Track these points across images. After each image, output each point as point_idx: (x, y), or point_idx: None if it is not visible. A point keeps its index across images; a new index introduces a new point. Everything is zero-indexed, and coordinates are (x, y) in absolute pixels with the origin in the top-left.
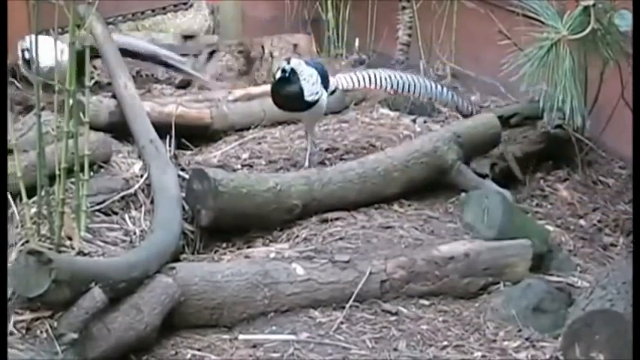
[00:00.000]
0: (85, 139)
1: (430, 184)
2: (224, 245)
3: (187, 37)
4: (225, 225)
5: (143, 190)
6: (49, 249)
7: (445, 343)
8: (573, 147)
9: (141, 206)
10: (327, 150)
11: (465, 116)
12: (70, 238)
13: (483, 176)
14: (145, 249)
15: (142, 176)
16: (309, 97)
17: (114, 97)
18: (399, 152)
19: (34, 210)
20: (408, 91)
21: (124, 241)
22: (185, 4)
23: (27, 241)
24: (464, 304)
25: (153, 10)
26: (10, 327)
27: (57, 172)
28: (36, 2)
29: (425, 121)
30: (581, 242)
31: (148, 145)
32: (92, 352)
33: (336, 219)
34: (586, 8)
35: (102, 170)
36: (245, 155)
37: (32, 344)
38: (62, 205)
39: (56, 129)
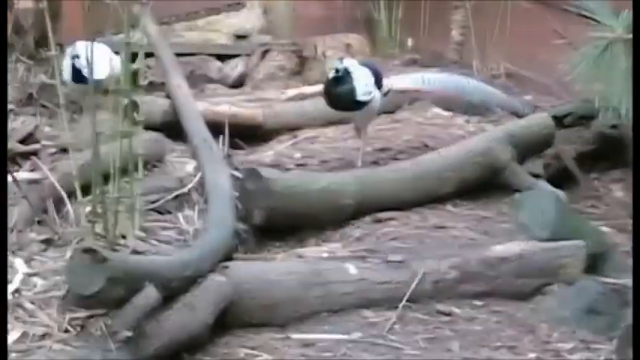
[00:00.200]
0: (139, 138)
1: (484, 184)
2: (277, 244)
3: (240, 37)
4: (278, 224)
5: (197, 190)
6: (104, 247)
7: (498, 343)
8: (628, 147)
9: (194, 205)
10: (380, 150)
11: (519, 116)
12: (124, 237)
13: (537, 176)
14: (199, 248)
15: (195, 175)
16: (361, 97)
17: (168, 96)
18: (452, 152)
19: (88, 209)
20: (463, 93)
21: (177, 240)
22: (238, 3)
23: (82, 240)
24: (517, 304)
25: (206, 10)
26: (65, 324)
27: (111, 171)
28: (91, 2)
29: (479, 121)
30: None
31: (201, 145)
32: (145, 350)
33: (390, 219)
34: None
35: (156, 169)
36: (298, 155)
37: (86, 341)
38: (117, 204)
39: (111, 128)
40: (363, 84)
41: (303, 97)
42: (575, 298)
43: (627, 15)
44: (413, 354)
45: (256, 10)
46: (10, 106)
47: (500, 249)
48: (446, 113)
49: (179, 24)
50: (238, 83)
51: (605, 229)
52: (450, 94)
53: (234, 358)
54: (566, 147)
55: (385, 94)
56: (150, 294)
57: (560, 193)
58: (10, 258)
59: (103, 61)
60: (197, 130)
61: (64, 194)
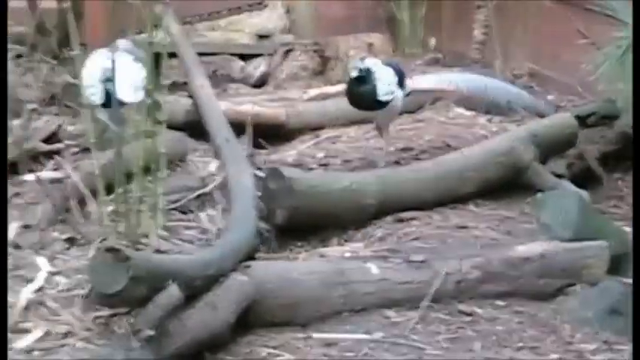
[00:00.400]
0: (162, 137)
1: (506, 184)
2: (299, 244)
3: (262, 37)
4: (300, 224)
5: (219, 189)
6: (127, 246)
7: (521, 344)
8: None
9: (217, 205)
10: (402, 149)
11: (542, 116)
12: (146, 236)
13: (560, 176)
14: (221, 247)
15: (217, 175)
16: (382, 96)
17: (190, 96)
18: (474, 152)
19: (111, 208)
20: (486, 93)
21: (199, 239)
22: (260, 3)
23: (105, 239)
24: (540, 305)
25: (228, 10)
26: (88, 323)
27: (134, 171)
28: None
29: (501, 121)
30: None
31: (223, 144)
32: (168, 349)
33: (412, 219)
34: None
35: (178, 169)
36: (320, 154)
37: (109, 340)
38: (139, 203)
39: (133, 128)
40: (384, 84)
41: (325, 96)
42: (598, 299)
43: None
44: (435, 354)
45: (279, 9)
46: (33, 106)
47: (522, 249)
48: (468, 113)
49: (201, 24)
50: (261, 83)
51: (628, 229)
52: (474, 94)
53: (256, 357)
54: (589, 147)
55: (408, 94)
56: (172, 293)
57: (583, 193)
58: (33, 257)
59: (130, 79)
60: (220, 129)
61: (87, 193)
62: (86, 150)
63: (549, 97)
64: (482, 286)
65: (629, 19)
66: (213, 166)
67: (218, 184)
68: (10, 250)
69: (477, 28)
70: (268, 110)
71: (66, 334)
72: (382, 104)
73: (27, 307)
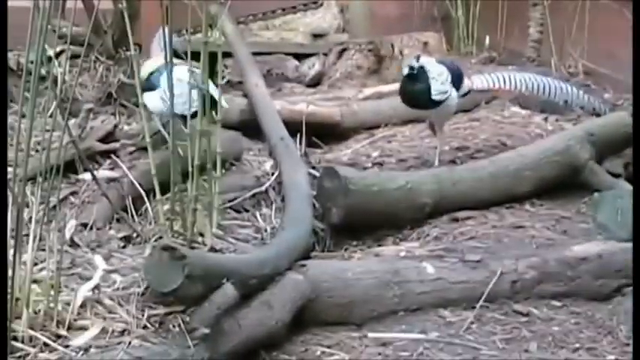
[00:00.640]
0: (218, 137)
1: (562, 184)
2: (354, 243)
3: (317, 36)
4: (355, 223)
5: (274, 188)
6: (182, 245)
7: (577, 345)
8: None
9: (272, 204)
10: (457, 148)
11: (599, 115)
12: (202, 235)
13: (617, 176)
14: (276, 246)
15: (272, 174)
16: (436, 95)
17: (245, 95)
18: (530, 151)
19: (167, 207)
20: (543, 93)
21: (255, 238)
22: (315, 2)
23: (160, 237)
24: (596, 305)
25: (283, 10)
26: (144, 321)
27: (190, 170)
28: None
29: (557, 120)
30: None
31: (278, 143)
32: (223, 347)
33: (467, 218)
34: None
35: (233, 168)
36: (375, 153)
37: (165, 338)
38: (195, 202)
39: (189, 127)
40: (438, 82)
41: (380, 95)
42: None
43: None
44: (490, 354)
45: (333, 9)
46: (89, 105)
47: (579, 249)
48: (523, 112)
49: (256, 23)
50: (315, 82)
51: None
52: (532, 93)
53: (310, 356)
54: None
55: (466, 94)
56: (228, 291)
57: None
58: (89, 255)
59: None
60: (274, 128)
61: (143, 192)
62: (142, 149)
63: (605, 96)
64: (538, 286)
65: None
66: (268, 165)
67: (273, 184)
68: (66, 248)
69: (532, 26)
70: (323, 109)
71: (122, 332)
72: (435, 103)
73: (84, 305)
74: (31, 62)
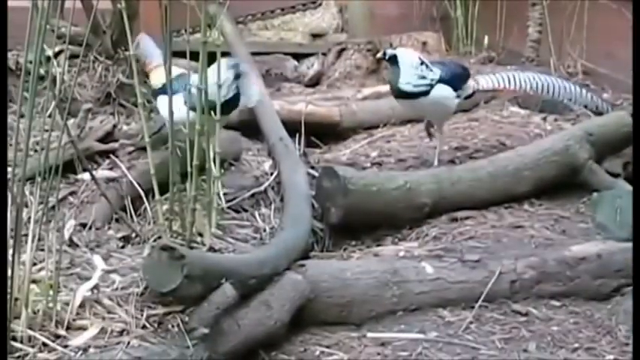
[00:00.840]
0: (216, 137)
1: (561, 184)
2: (353, 243)
3: (316, 36)
4: (354, 223)
5: (273, 188)
6: (181, 245)
7: (576, 345)
8: None
9: (271, 204)
10: (456, 148)
11: (602, 114)
12: (201, 235)
13: (616, 175)
14: (275, 246)
15: (271, 174)
16: (404, 85)
17: None
18: (529, 151)
19: (166, 207)
20: (547, 92)
21: (254, 237)
22: (314, 2)
23: (159, 237)
24: (595, 305)
25: (282, 9)
26: (143, 321)
27: (189, 170)
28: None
29: (556, 120)
30: None
31: (277, 143)
32: (222, 347)
33: (466, 218)
34: None
35: (232, 168)
36: (374, 153)
37: (164, 338)
38: (194, 202)
39: (187, 127)
40: (408, 74)
41: (379, 95)
42: None
43: None
44: (489, 354)
45: (332, 8)
46: (88, 105)
47: (578, 249)
48: (522, 111)
49: (255, 23)
50: (314, 82)
51: None
52: (537, 94)
53: (309, 356)
54: None
55: (471, 95)
56: (227, 291)
57: None
58: (88, 255)
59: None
60: (273, 128)
61: (142, 192)
62: (141, 149)
63: (604, 96)
64: (537, 286)
65: None
66: (267, 165)
67: (272, 183)
68: (65, 248)
69: (531, 26)
70: (322, 109)
71: (121, 332)
72: (406, 94)
73: (82, 305)
74: (30, 62)
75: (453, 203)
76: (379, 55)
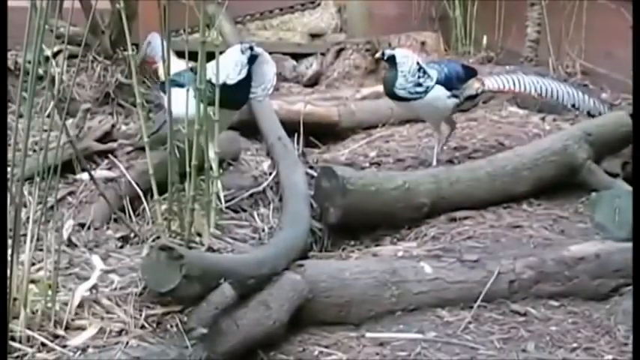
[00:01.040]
0: (215, 137)
1: (560, 184)
2: (352, 243)
3: (314, 36)
4: (353, 223)
5: (272, 188)
6: (180, 245)
7: (575, 345)
8: None
9: (269, 203)
10: (455, 148)
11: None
12: (199, 235)
13: (614, 175)
14: (274, 246)
15: (270, 174)
16: (399, 90)
17: None
18: (528, 151)
19: (164, 207)
20: (552, 96)
21: (252, 237)
22: (312, 2)
23: (158, 237)
24: (594, 305)
25: (281, 9)
26: (141, 321)
27: (187, 170)
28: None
29: (554, 119)
30: None
31: (276, 143)
32: (221, 347)
33: (465, 218)
34: None
35: (231, 168)
36: (373, 153)
37: (162, 338)
38: (193, 202)
39: (186, 127)
40: (403, 79)
41: (377, 95)
42: None
43: None
44: (488, 354)
45: (331, 8)
46: (87, 105)
47: (576, 249)
48: (521, 111)
49: (254, 23)
50: (313, 82)
51: None
52: (541, 97)
53: (308, 356)
54: None
55: (477, 95)
56: (225, 291)
57: None
58: (87, 255)
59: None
60: (272, 128)
61: (140, 192)
62: (140, 149)
63: (603, 95)
64: (535, 286)
65: None
66: (265, 165)
67: (271, 183)
68: (64, 248)
69: (530, 25)
70: (321, 109)
71: (119, 332)
72: (400, 98)
73: (81, 305)
74: (29, 62)
75: (451, 203)
76: (378, 55)
